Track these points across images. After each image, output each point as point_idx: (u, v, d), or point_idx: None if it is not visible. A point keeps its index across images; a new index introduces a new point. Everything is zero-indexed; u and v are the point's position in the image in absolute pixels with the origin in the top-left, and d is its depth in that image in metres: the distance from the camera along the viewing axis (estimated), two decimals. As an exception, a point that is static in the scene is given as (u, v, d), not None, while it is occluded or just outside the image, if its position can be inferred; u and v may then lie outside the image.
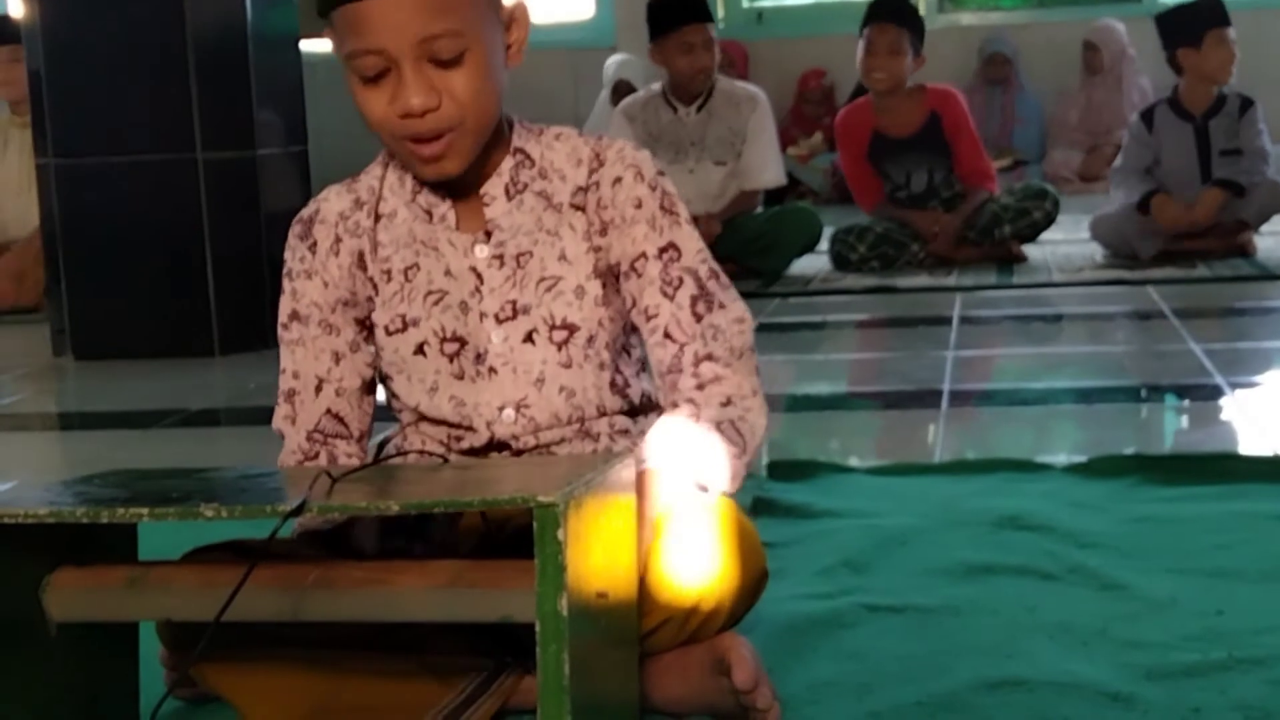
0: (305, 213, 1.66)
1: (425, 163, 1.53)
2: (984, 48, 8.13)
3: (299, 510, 1.26)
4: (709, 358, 1.56)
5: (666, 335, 1.57)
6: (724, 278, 1.63)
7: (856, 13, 8.61)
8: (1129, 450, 2.71)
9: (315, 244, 1.64)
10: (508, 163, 1.61)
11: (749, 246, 5.09)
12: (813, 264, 5.36)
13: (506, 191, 1.60)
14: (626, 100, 5.41)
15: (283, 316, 1.65)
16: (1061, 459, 2.59)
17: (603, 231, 1.60)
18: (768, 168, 5.17)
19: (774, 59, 8.54)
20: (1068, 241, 5.44)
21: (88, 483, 1.45)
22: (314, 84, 4.58)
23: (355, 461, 1.62)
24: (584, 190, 1.61)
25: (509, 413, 1.60)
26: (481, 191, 1.61)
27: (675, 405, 1.56)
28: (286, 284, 1.65)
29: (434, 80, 1.49)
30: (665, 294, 1.58)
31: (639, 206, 1.59)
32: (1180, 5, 5.24)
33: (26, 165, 5.33)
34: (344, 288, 1.62)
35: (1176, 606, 1.84)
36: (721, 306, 1.59)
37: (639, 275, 1.59)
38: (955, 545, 2.12)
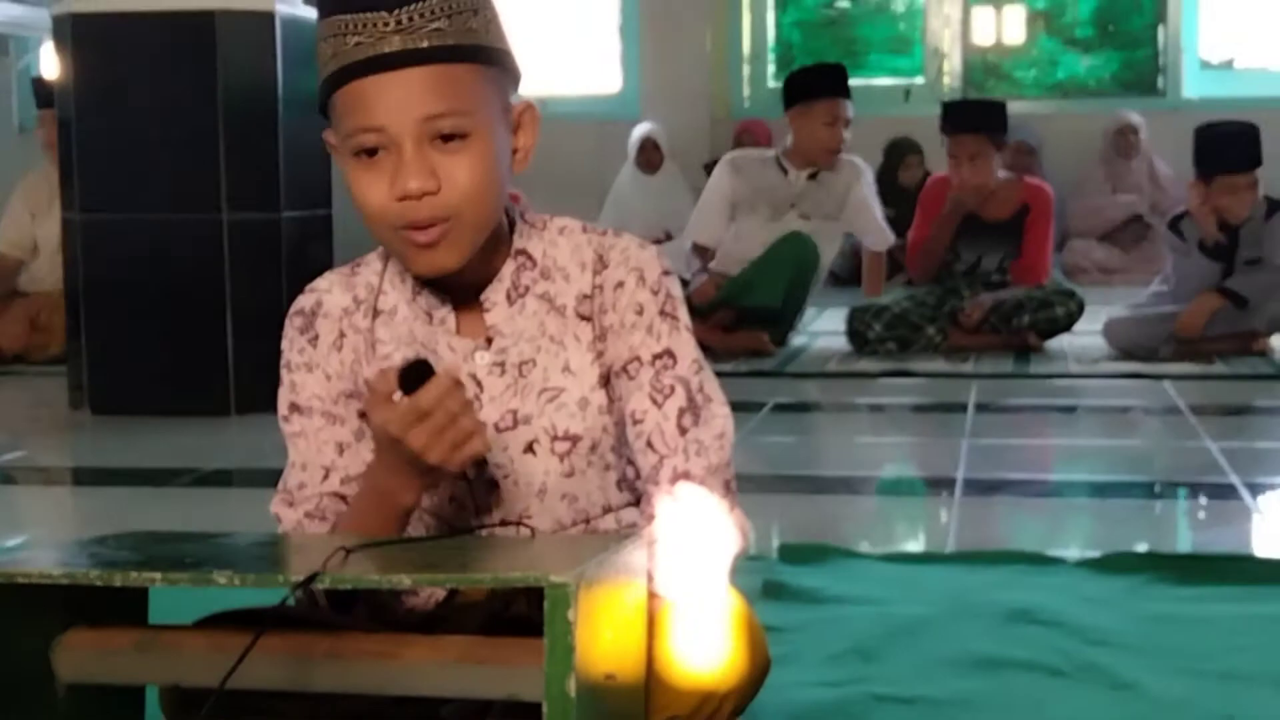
0: (305, 304, 1.60)
1: (420, 251, 1.47)
2: (1008, 136, 8.16)
3: (311, 580, 1.26)
4: (686, 475, 1.51)
5: (649, 444, 1.52)
6: (712, 384, 1.57)
7: (876, 97, 8.78)
8: (1142, 547, 2.70)
9: (317, 337, 1.58)
10: (509, 266, 1.56)
11: (739, 279, 5.23)
12: (829, 344, 5.37)
13: (508, 296, 1.56)
14: (738, 153, 5.71)
15: (282, 409, 1.59)
16: (1074, 553, 2.59)
17: (602, 337, 1.56)
18: (884, 235, 5.55)
19: (797, 139, 8.57)
20: (1085, 333, 5.44)
21: (102, 544, 1.45)
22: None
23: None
24: (589, 297, 1.56)
25: (510, 528, 1.57)
26: (482, 297, 1.56)
27: (650, 519, 1.52)
28: (285, 375, 1.59)
29: (435, 164, 1.44)
30: (654, 400, 1.53)
31: (640, 313, 1.54)
32: (1217, 133, 5.13)
33: None
34: (347, 380, 1.57)
35: (1187, 708, 1.83)
36: (707, 422, 1.54)
37: (630, 378, 1.54)
38: (966, 637, 2.11)
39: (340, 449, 1.57)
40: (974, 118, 5.35)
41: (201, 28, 4.12)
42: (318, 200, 4.40)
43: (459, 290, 1.56)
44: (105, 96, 4.20)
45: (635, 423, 1.54)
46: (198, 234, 4.15)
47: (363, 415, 1.57)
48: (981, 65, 8.98)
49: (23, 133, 8.83)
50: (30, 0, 8.41)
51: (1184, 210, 5.22)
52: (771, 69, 9.06)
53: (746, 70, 8.99)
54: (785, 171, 5.37)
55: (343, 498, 1.57)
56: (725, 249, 5.38)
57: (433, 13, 1.44)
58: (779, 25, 9.14)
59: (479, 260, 1.52)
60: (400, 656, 1.34)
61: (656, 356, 1.54)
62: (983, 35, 8.98)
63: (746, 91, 9.00)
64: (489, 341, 1.56)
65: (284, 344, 1.60)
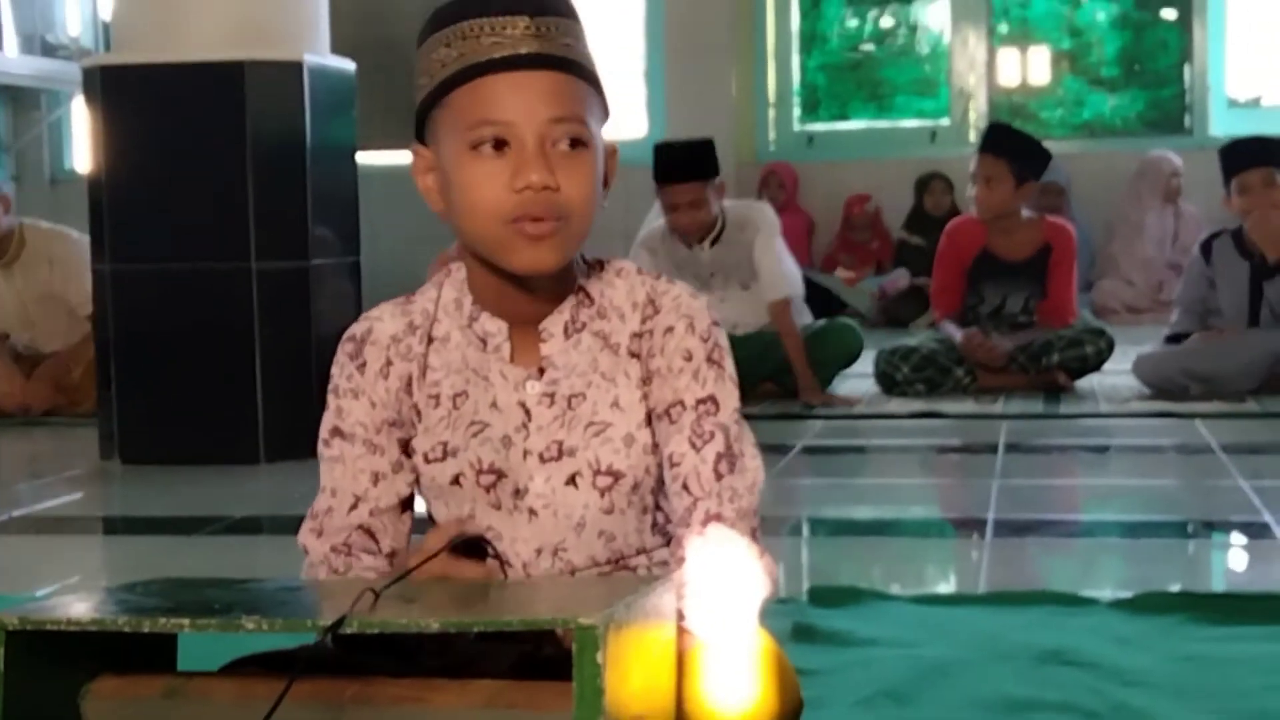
0: (357, 331, 1.63)
1: (527, 244, 1.50)
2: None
3: (338, 625, 1.26)
4: (718, 518, 1.54)
5: (685, 487, 1.54)
6: (749, 435, 1.59)
7: (902, 139, 8.80)
8: (1175, 587, 2.68)
9: (365, 364, 1.61)
10: (569, 301, 1.59)
11: (788, 365, 5.08)
12: (857, 386, 5.36)
13: (565, 329, 1.59)
14: (645, 233, 5.37)
15: (324, 432, 1.63)
16: (1107, 594, 2.57)
17: (648, 379, 1.59)
18: (779, 282, 5.07)
19: (824, 181, 8.61)
20: (1115, 372, 5.42)
21: (130, 590, 1.45)
22: (367, 195, 4.64)
23: (377, 575, 1.60)
24: (639, 336, 1.59)
25: (545, 556, 1.58)
26: (540, 327, 1.59)
27: (681, 561, 1.54)
28: (332, 400, 1.62)
29: (555, 166, 1.50)
30: (693, 445, 1.55)
31: (688, 359, 1.57)
32: (1224, 144, 5.22)
33: None
34: (391, 409, 1.60)
35: (1222, 749, 1.81)
36: (742, 471, 1.57)
37: (671, 421, 1.56)
38: (998, 679, 2.09)
39: (375, 479, 1.59)
40: (1000, 142, 5.32)
41: (230, 78, 4.15)
42: (346, 248, 4.42)
43: (517, 318, 1.58)
44: (135, 148, 4.24)
45: (673, 465, 1.56)
46: (227, 283, 4.18)
47: (403, 444, 1.60)
48: (1007, 106, 9.00)
49: (54, 185, 8.91)
50: (60, 54, 8.51)
51: (1219, 231, 5.21)
52: (797, 113, 9.10)
53: (772, 114, 9.03)
54: (688, 245, 5.13)
55: (370, 533, 1.58)
56: None
57: (563, 29, 1.53)
58: (804, 69, 9.18)
59: (549, 287, 1.57)
60: (429, 701, 1.34)
61: (700, 401, 1.57)
62: (1008, 76, 8.99)
63: (772, 135, 9.03)
64: (541, 372, 1.58)
65: (334, 370, 1.63)
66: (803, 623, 2.36)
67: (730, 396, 1.58)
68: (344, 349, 1.63)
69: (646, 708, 1.32)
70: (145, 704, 1.39)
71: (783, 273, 5.11)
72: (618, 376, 1.58)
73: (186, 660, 1.49)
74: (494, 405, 1.58)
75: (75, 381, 5.32)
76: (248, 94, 4.15)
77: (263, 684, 1.35)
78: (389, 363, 1.61)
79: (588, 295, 1.60)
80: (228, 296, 4.18)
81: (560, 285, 1.58)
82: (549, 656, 1.49)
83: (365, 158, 4.74)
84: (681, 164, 5.04)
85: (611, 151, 1.59)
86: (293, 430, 4.19)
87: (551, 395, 1.58)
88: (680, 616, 1.47)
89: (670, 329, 1.58)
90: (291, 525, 3.32)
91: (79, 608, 1.35)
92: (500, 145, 1.50)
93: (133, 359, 4.26)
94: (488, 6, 1.51)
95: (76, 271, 5.18)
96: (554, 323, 1.58)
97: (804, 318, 5.34)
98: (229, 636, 1.30)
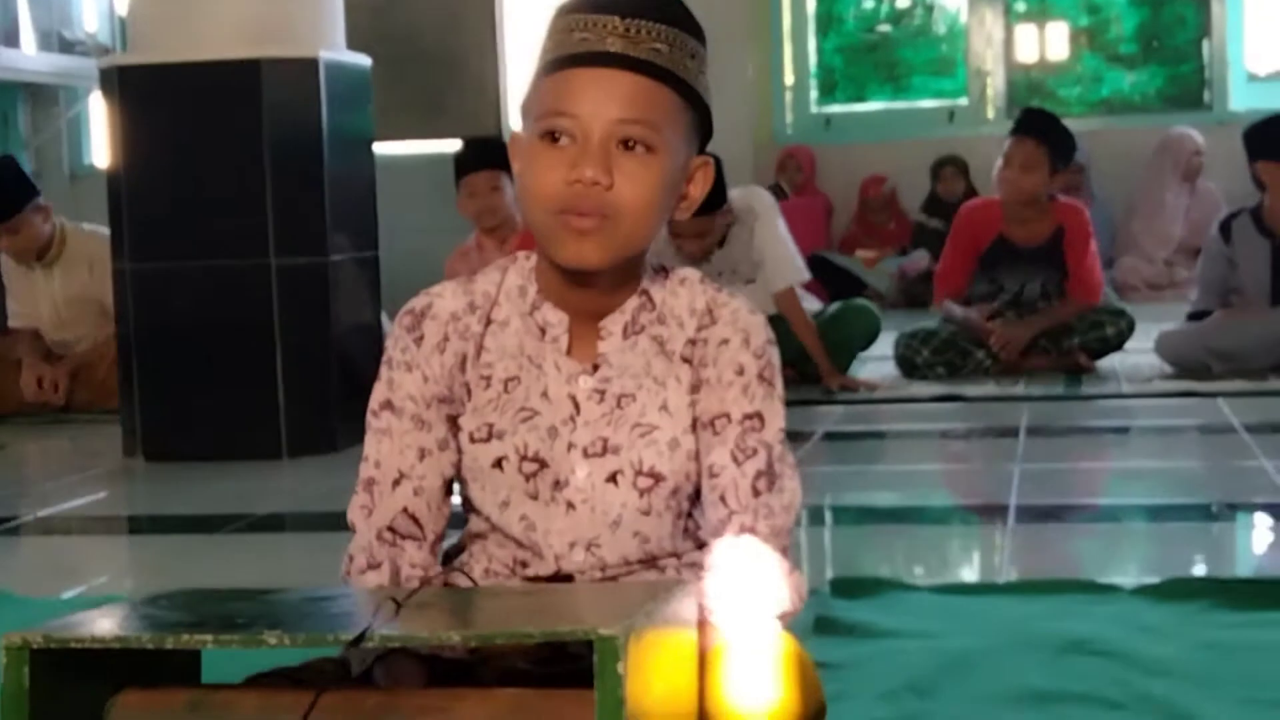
0: (417, 305, 1.64)
1: (571, 237, 1.52)
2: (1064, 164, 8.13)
3: (360, 639, 1.27)
4: (752, 532, 1.55)
5: (722, 499, 1.56)
6: (790, 458, 1.61)
7: (920, 120, 8.77)
8: (1199, 571, 2.68)
9: (422, 338, 1.62)
10: (632, 302, 1.60)
11: (806, 352, 5.04)
12: (878, 370, 5.36)
13: (625, 330, 1.60)
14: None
15: (374, 404, 1.63)
16: (1130, 579, 2.57)
17: (697, 388, 1.60)
18: (786, 270, 5.00)
19: (842, 163, 8.59)
20: (1137, 351, 5.40)
21: (154, 604, 1.46)
22: (384, 187, 4.65)
23: (419, 572, 1.61)
24: (693, 344, 1.61)
25: (579, 551, 1.59)
26: (600, 325, 1.60)
27: (710, 567, 1.55)
28: (384, 371, 1.63)
29: (614, 164, 1.51)
30: (735, 459, 1.57)
31: (739, 373, 1.59)
32: (1270, 116, 5.18)
33: None
34: (443, 385, 1.61)
35: (1247, 740, 1.81)
36: (780, 490, 1.58)
37: (715, 433, 1.58)
38: (1021, 670, 2.09)
39: (421, 454, 1.60)
40: (1044, 127, 5.22)
41: (247, 76, 4.16)
42: (365, 243, 4.43)
43: (579, 312, 1.60)
44: (153, 147, 4.25)
45: (712, 476, 1.58)
46: (246, 279, 4.19)
47: (451, 421, 1.61)
48: (1025, 84, 8.96)
49: (74, 181, 8.93)
50: (78, 50, 8.53)
51: (1237, 211, 5.18)
52: (814, 95, 9.07)
53: (789, 97, 9.01)
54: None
55: (415, 518, 1.59)
56: None
57: (658, 35, 1.53)
58: (820, 51, 9.16)
59: (610, 284, 1.58)
60: (452, 711, 1.35)
61: (747, 416, 1.58)
62: (1026, 53, 8.96)
63: (789, 118, 9.01)
64: (595, 368, 1.60)
65: (388, 342, 1.64)
66: (825, 615, 2.36)
67: (777, 416, 1.60)
68: (401, 322, 1.63)
69: (668, 715, 1.33)
70: (170, 717, 1.40)
71: (788, 259, 5.04)
72: (669, 381, 1.60)
73: (211, 673, 1.50)
74: (544, 395, 1.60)
75: (101, 377, 5.35)
76: (264, 92, 4.16)
77: (287, 696, 1.36)
78: (446, 339, 1.62)
79: (650, 299, 1.61)
80: (247, 293, 4.19)
81: (623, 285, 1.60)
82: (567, 650, 1.50)
83: (381, 148, 4.74)
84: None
85: (702, 165, 1.60)
86: (314, 425, 4.21)
87: (602, 392, 1.59)
88: (703, 612, 1.48)
89: (725, 341, 1.60)
90: (314, 522, 3.38)
91: (103, 624, 1.36)
92: (567, 137, 1.52)
93: (154, 356, 4.27)
94: (588, 3, 1.54)
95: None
96: (614, 322, 1.60)
97: (809, 304, 5.32)
98: (254, 649, 1.31)
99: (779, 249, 5.01)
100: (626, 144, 1.51)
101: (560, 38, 1.54)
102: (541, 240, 1.57)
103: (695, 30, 1.56)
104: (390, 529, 1.60)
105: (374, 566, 1.60)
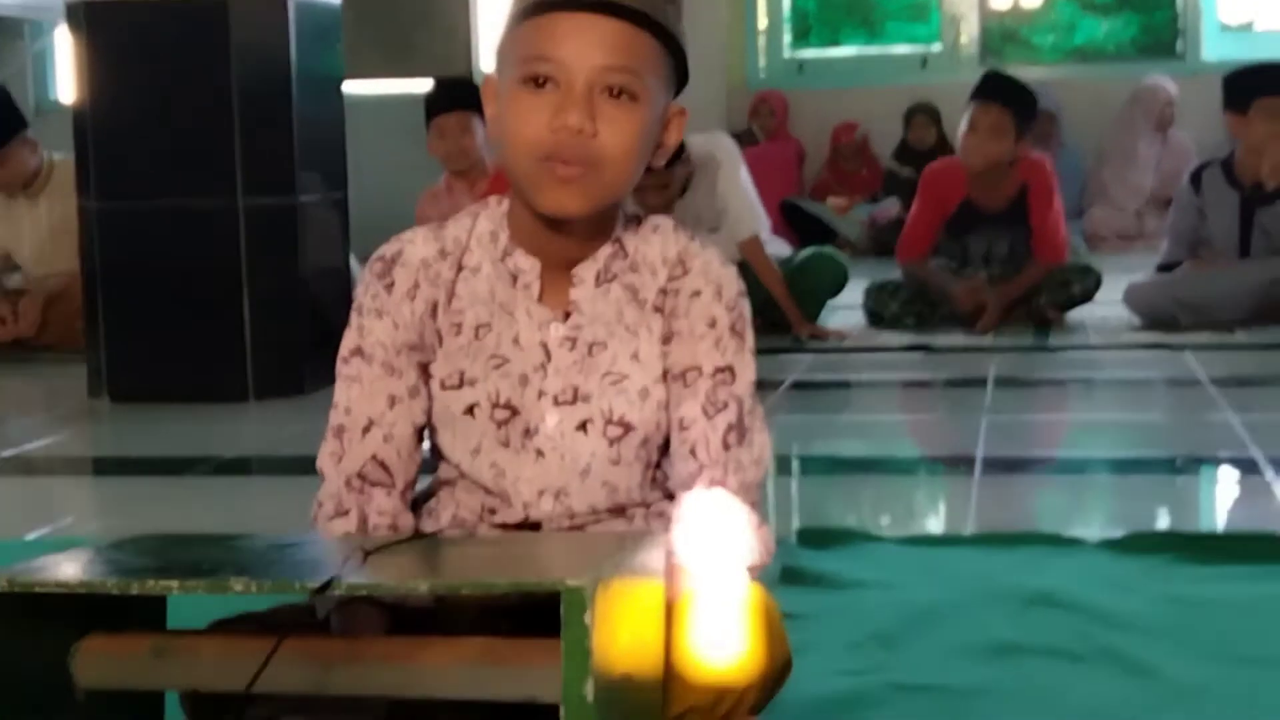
0: (387, 251, 1.63)
1: (554, 185, 1.50)
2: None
3: (326, 587, 1.26)
4: (721, 485, 1.55)
5: (692, 452, 1.56)
6: (760, 411, 1.61)
7: (893, 65, 8.73)
8: (1163, 524, 2.69)
9: (392, 284, 1.61)
10: (605, 250, 1.60)
11: (773, 300, 5.01)
12: (847, 319, 5.36)
13: (597, 278, 1.59)
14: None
15: (344, 350, 1.63)
16: (1095, 532, 2.58)
17: (668, 339, 1.59)
18: (749, 218, 4.97)
19: (815, 109, 8.57)
20: (1106, 303, 5.42)
21: (119, 549, 1.45)
22: (352, 126, 4.60)
23: (388, 519, 1.60)
24: (664, 294, 1.60)
25: (547, 499, 1.59)
26: (573, 272, 1.59)
27: (678, 519, 1.55)
28: (354, 319, 1.62)
29: (597, 112, 1.49)
30: (706, 412, 1.56)
31: (711, 325, 1.58)
32: (1243, 67, 5.18)
33: None
34: (413, 332, 1.60)
35: (1206, 694, 1.83)
36: (750, 444, 1.58)
37: (686, 385, 1.58)
38: (986, 622, 2.10)
39: (391, 402, 1.60)
40: (1009, 91, 5.12)
41: (215, 13, 4.11)
42: (334, 184, 4.40)
43: (551, 259, 1.59)
44: (119, 84, 4.20)
45: (682, 429, 1.58)
46: (214, 219, 4.15)
47: (422, 369, 1.61)
48: (999, 31, 8.94)
49: (39, 115, 8.83)
50: (44, -17, 8.42)
51: (1208, 161, 5.18)
52: (788, 39, 9.03)
53: (762, 41, 8.96)
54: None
55: (384, 465, 1.59)
56: None
57: None
58: (794, -5, 9.11)
59: (586, 232, 1.57)
60: (418, 659, 1.35)
61: (718, 370, 1.58)
62: (1000, 0, 8.93)
63: (762, 63, 8.97)
64: (566, 315, 1.59)
65: (359, 289, 1.63)
66: (791, 565, 2.37)
67: (748, 369, 1.60)
68: (372, 268, 1.62)
69: (635, 665, 1.33)
70: (134, 662, 1.40)
71: (750, 208, 5.01)
72: (640, 330, 1.59)
73: (176, 618, 1.50)
74: (515, 341, 1.59)
75: (71, 314, 5.32)
76: (232, 28, 4.11)
77: (250, 642, 1.36)
78: (416, 285, 1.61)
79: (623, 247, 1.61)
80: (215, 233, 4.15)
81: (597, 233, 1.59)
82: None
83: (351, 87, 4.70)
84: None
85: (677, 113, 1.58)
86: (281, 367, 4.19)
87: (574, 340, 1.59)
88: (671, 563, 1.48)
89: (697, 293, 1.59)
90: (281, 465, 3.37)
91: (68, 569, 1.35)
92: (550, 83, 1.50)
93: (119, 296, 4.24)
94: None
95: None
96: (587, 269, 1.59)
97: (778, 248, 5.29)
98: (219, 595, 1.30)
99: (741, 200, 4.98)
100: (611, 91, 1.50)
101: None
102: (521, 187, 1.55)
103: None
104: (359, 476, 1.59)
105: (342, 513, 1.59)
